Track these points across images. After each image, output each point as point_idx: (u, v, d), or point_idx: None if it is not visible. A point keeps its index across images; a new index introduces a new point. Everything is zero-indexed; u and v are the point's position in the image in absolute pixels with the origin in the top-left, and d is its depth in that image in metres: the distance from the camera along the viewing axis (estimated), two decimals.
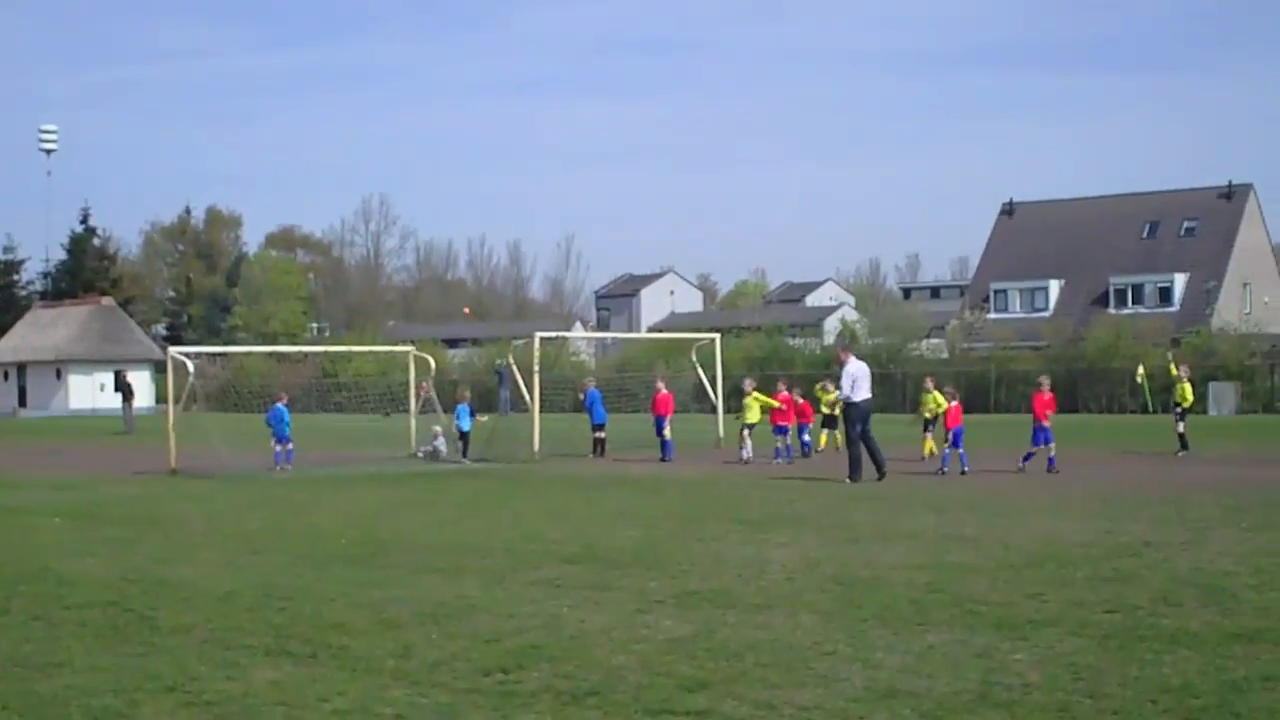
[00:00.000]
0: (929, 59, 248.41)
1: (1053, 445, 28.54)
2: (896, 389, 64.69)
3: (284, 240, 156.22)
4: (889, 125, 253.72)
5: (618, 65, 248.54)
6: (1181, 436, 34.25)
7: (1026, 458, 28.83)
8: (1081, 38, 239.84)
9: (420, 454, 36.82)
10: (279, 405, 34.85)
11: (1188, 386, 35.27)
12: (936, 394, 33.05)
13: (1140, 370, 43.62)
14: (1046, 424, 28.70)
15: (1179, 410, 34.77)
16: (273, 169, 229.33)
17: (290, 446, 33.82)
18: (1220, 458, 32.47)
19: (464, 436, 35.70)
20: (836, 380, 31.22)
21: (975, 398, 67.29)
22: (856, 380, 27.37)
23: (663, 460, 33.85)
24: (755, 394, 34.41)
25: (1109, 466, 30.15)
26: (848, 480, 26.49)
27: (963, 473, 28.24)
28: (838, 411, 34.79)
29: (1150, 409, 57.37)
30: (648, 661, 10.50)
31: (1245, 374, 65.31)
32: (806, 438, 34.94)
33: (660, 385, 36.52)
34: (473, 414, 36.83)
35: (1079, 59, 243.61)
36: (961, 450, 29.04)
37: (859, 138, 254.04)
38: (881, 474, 26.63)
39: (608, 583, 14.43)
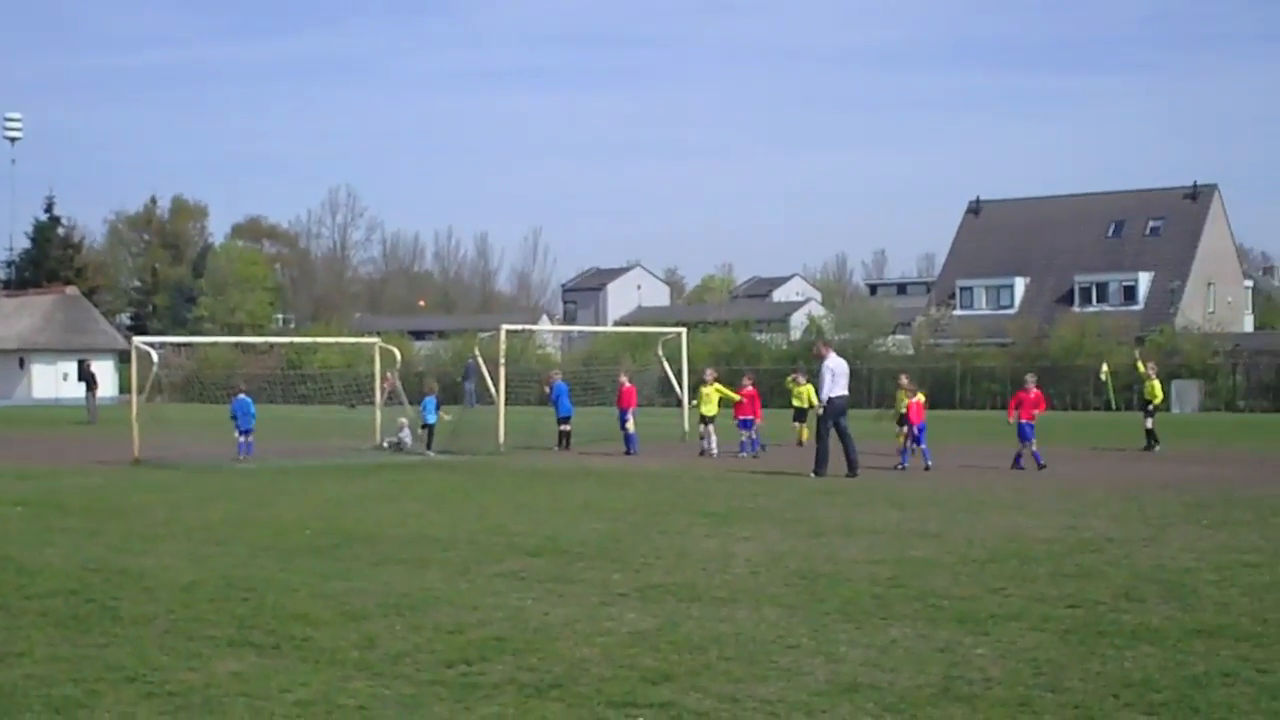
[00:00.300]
0: (897, 56, 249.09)
1: (1031, 443, 28.55)
2: (863, 385, 64.76)
3: (250, 231, 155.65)
4: (856, 122, 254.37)
5: (586, 58, 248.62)
6: (1151, 433, 34.49)
7: (1036, 458, 28.52)
8: (1048, 37, 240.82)
9: (385, 445, 36.76)
10: (243, 396, 34.76)
11: (1156, 384, 35.56)
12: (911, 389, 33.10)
13: (1104, 368, 43.78)
14: (1032, 421, 28.75)
15: (1149, 407, 34.99)
16: (239, 159, 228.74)
17: (250, 439, 33.76)
18: (1182, 455, 32.61)
19: (429, 429, 35.66)
20: (809, 375, 31.30)
21: (940, 394, 67.55)
22: (835, 375, 27.37)
23: (627, 453, 33.89)
24: (716, 385, 34.39)
25: (1072, 463, 30.26)
26: (812, 474, 26.52)
27: (926, 468, 28.35)
28: (808, 404, 35.10)
29: (1114, 406, 57.66)
30: (611, 654, 10.51)
31: (1208, 372, 65.70)
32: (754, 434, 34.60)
33: (624, 379, 36.56)
34: (439, 407, 36.82)
35: (1046, 58, 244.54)
36: (924, 446, 29.15)
37: (827, 134, 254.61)
38: (853, 472, 26.58)
39: (571, 575, 14.43)
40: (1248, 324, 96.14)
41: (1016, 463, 28.72)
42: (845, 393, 27.62)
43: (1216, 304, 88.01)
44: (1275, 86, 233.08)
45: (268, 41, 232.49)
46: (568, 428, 36.67)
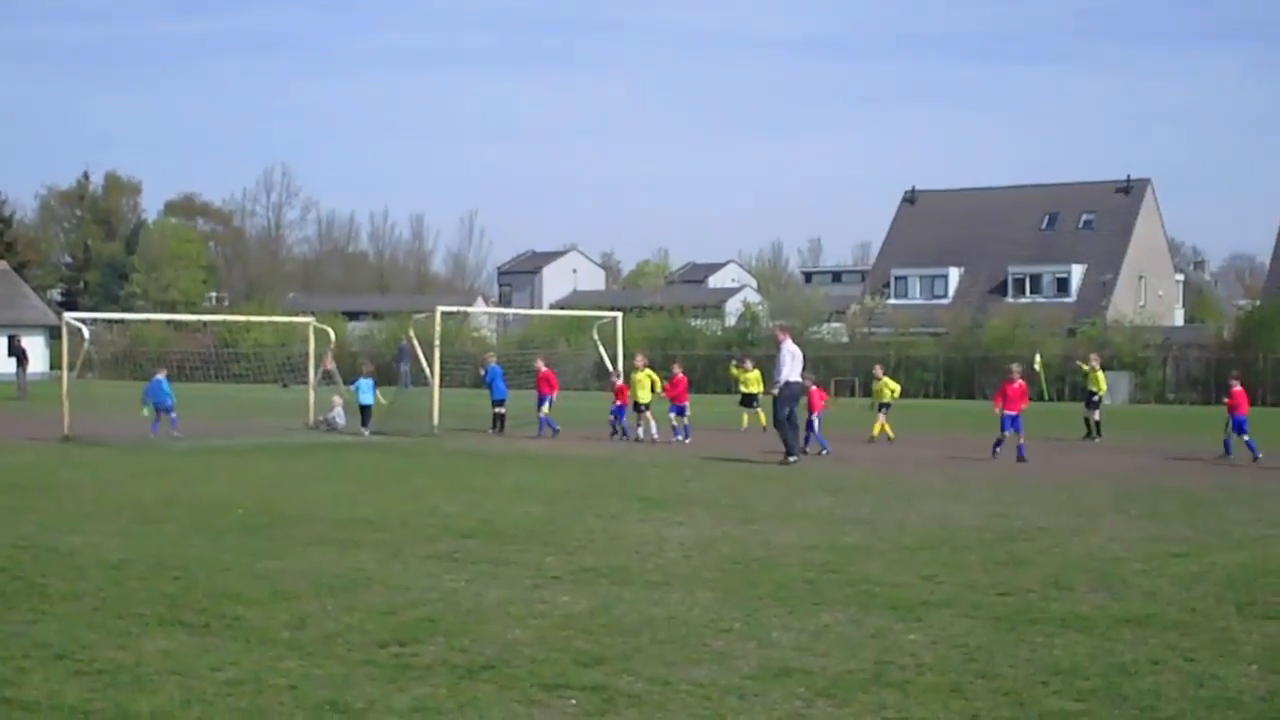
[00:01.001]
0: (835, 45, 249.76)
1: (1021, 434, 28.71)
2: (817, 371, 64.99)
3: (184, 208, 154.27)
4: (793, 110, 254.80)
5: (525, 40, 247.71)
6: (1092, 423, 34.90)
7: (1017, 449, 28.40)
8: (986, 29, 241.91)
9: (318, 425, 36.64)
10: (158, 378, 34.69)
11: (1100, 375, 35.98)
12: (888, 380, 35.48)
13: (1037, 359, 44.09)
14: (1018, 413, 29.02)
15: (1092, 398, 35.39)
16: (174, 136, 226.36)
17: (174, 415, 33.79)
18: (1112, 446, 32.88)
19: (366, 409, 35.62)
20: (755, 361, 31.45)
21: (874, 382, 67.74)
22: (794, 360, 27.35)
23: (538, 435, 34.36)
24: (648, 370, 34.42)
25: (1003, 453, 30.45)
26: (789, 460, 26.46)
27: (820, 453, 28.56)
28: (757, 389, 35.34)
29: (1046, 397, 57.98)
30: (543, 636, 10.51)
31: (1139, 365, 66.28)
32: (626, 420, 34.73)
33: (540, 364, 36.62)
34: (375, 387, 36.78)
35: (983, 50, 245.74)
36: (818, 433, 29.42)
37: (763, 121, 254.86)
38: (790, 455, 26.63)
39: (505, 558, 14.42)
40: (1178, 317, 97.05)
41: (994, 449, 28.78)
42: (800, 380, 27.65)
43: (1148, 297, 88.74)
44: (1209, 82, 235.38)
45: (204, 17, 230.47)
46: (502, 410, 36.60)
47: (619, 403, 34.71)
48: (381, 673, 9.40)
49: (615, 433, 34.02)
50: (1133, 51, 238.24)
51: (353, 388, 36.50)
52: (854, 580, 13.05)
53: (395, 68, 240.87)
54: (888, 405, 34.94)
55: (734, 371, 39.00)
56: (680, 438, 32.94)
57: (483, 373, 38.83)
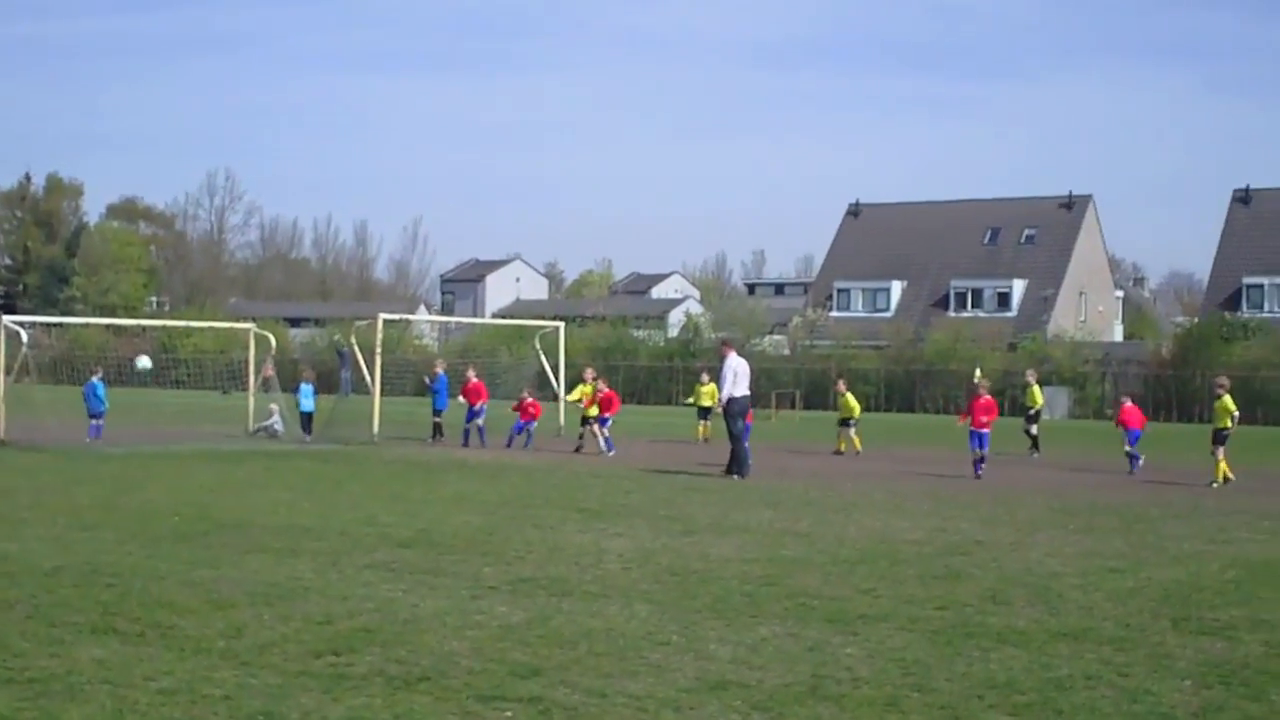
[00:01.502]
0: (779, 56, 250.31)
1: (985, 450, 28.52)
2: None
3: (126, 211, 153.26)
4: (738, 121, 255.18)
5: (471, 45, 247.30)
6: (1033, 437, 35.10)
7: (975, 466, 28.17)
8: (931, 43, 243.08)
9: (257, 432, 36.47)
10: (94, 380, 34.55)
11: (1037, 390, 36.30)
12: (849, 397, 35.86)
13: (978, 372, 44.34)
14: (985, 429, 28.67)
15: (1030, 413, 35.66)
16: (116, 138, 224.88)
17: (100, 423, 33.68)
18: (1051, 461, 33.08)
19: (307, 416, 35.57)
20: (713, 374, 31.55)
21: (815, 395, 68.12)
22: (737, 375, 27.29)
23: (464, 446, 34.36)
24: (596, 382, 34.41)
25: (942, 467, 30.59)
26: (735, 477, 26.35)
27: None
28: (708, 403, 35.48)
29: None
30: (480, 647, 10.47)
31: (1078, 380, 66.80)
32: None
33: (471, 374, 36.52)
34: (316, 393, 36.72)
35: (927, 64, 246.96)
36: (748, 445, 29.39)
37: (708, 132, 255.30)
38: (740, 473, 26.51)
39: (442, 568, 14.37)
40: (1118, 333, 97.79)
41: (977, 470, 28.06)
42: (747, 393, 27.61)
43: (1088, 313, 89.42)
44: (1151, 99, 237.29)
45: (148, 17, 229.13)
46: (439, 420, 36.51)
47: (605, 414, 34.01)
48: (317, 683, 9.34)
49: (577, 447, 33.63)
50: (1076, 68, 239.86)
51: (297, 394, 36.50)
52: (792, 593, 13.07)
53: (341, 73, 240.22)
54: (851, 420, 35.30)
55: (697, 387, 39.17)
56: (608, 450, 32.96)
57: (429, 381, 38.75)
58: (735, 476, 26.28)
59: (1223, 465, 26.87)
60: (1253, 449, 35.68)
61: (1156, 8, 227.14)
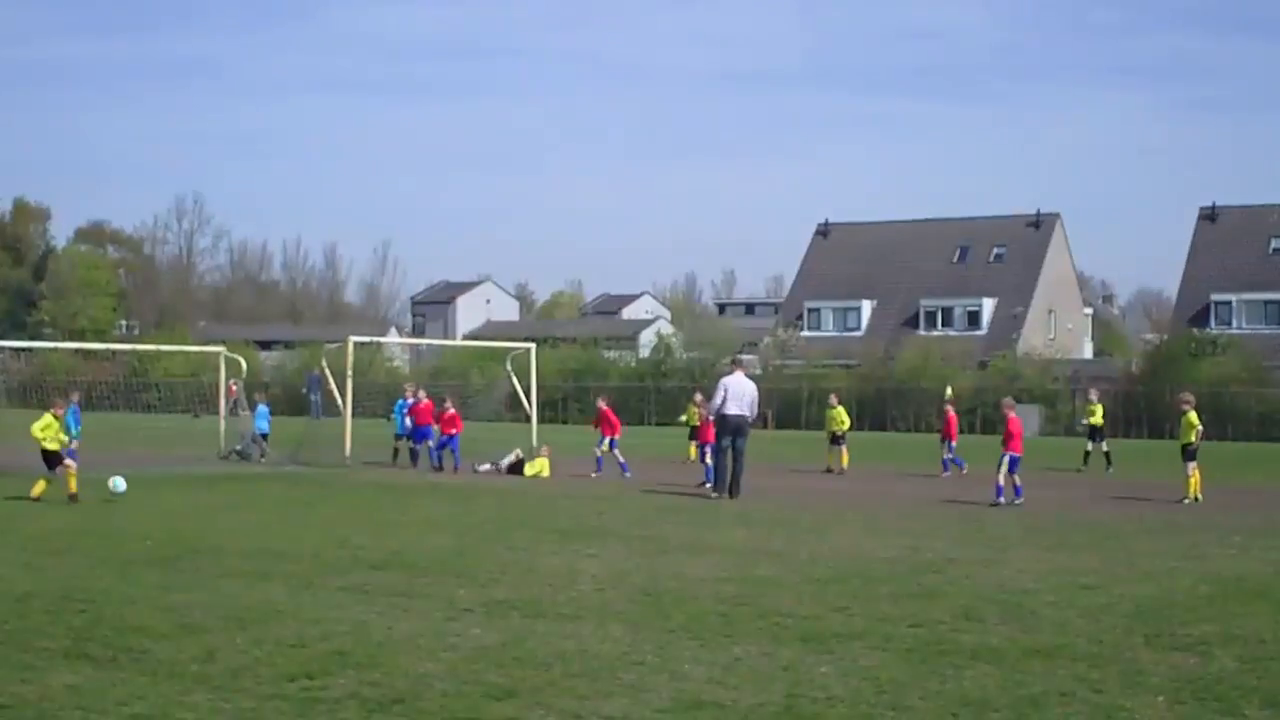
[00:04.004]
0: (749, 77, 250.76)
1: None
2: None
3: (94, 235, 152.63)
4: (708, 141, 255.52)
5: (439, 69, 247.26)
6: (1105, 454, 36.41)
7: (945, 465, 29.16)
8: (898, 63, 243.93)
9: (229, 455, 36.40)
10: (72, 404, 34.44)
11: (1099, 408, 37.33)
12: (840, 410, 36.02)
13: (948, 391, 44.41)
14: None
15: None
16: (84, 162, 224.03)
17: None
18: (1022, 479, 33.07)
19: (264, 438, 35.68)
20: (707, 394, 31.57)
21: (787, 414, 68.22)
22: (729, 392, 27.09)
23: (414, 466, 34.42)
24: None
25: (914, 485, 30.65)
26: (712, 495, 26.28)
27: (701, 485, 28.46)
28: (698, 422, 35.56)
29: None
30: (455, 670, 10.45)
31: (1048, 397, 66.96)
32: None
33: (420, 394, 36.37)
34: (270, 414, 36.83)
35: (895, 84, 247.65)
36: (708, 464, 29.26)
37: (677, 153, 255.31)
38: (733, 494, 26.27)
39: (416, 590, 14.34)
40: (1087, 350, 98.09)
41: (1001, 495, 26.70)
42: (741, 412, 27.18)
43: (1057, 330, 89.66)
44: (1117, 118, 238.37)
45: (115, 42, 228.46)
46: (399, 444, 36.41)
47: (609, 435, 33.46)
48: (291, 706, 9.31)
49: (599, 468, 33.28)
50: (1043, 88, 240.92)
51: (254, 415, 36.57)
52: (766, 612, 13.07)
53: (309, 96, 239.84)
54: (841, 435, 35.54)
55: (689, 406, 39.19)
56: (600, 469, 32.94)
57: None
58: (714, 494, 26.27)
59: (1194, 481, 26.94)
60: (1223, 465, 35.78)
61: (1123, 28, 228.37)
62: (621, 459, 32.57)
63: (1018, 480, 25.65)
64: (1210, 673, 10.62)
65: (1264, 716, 9.34)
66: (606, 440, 33.44)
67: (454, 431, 34.69)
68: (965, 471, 32.95)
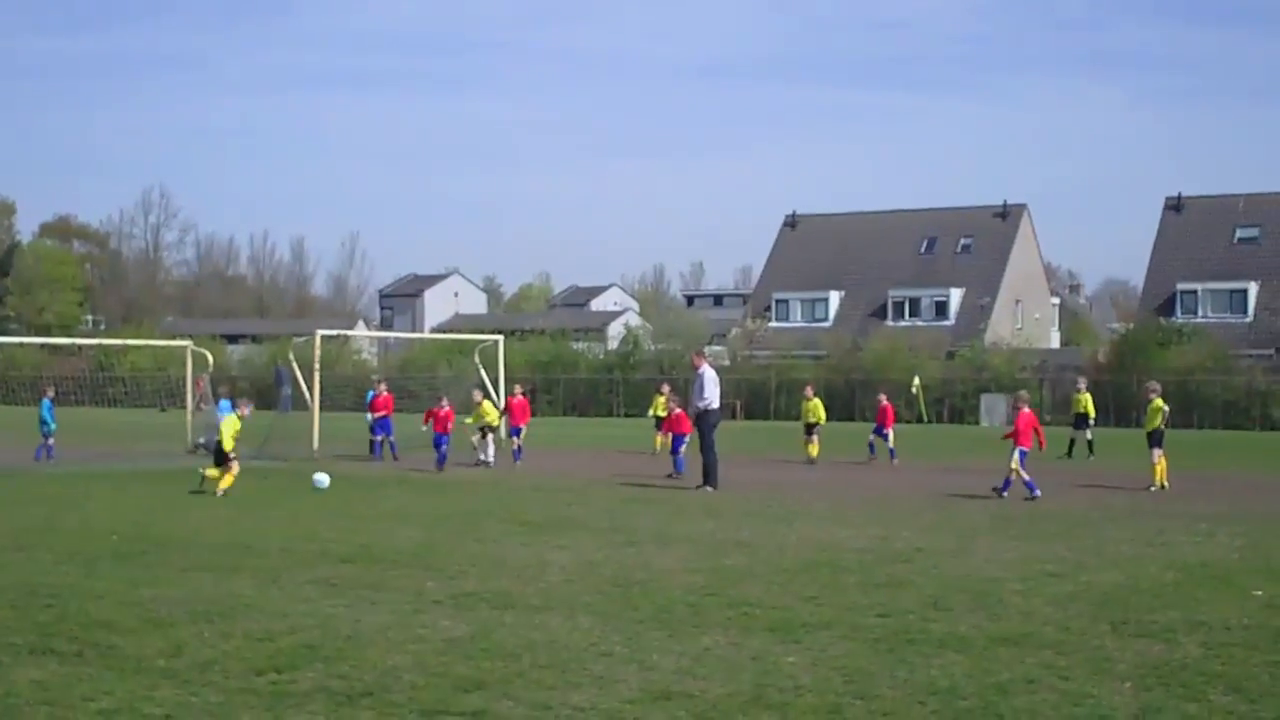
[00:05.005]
0: (718, 69, 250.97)
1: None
2: (679, 394, 65.14)
3: (59, 230, 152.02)
4: (676, 133, 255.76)
5: (407, 61, 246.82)
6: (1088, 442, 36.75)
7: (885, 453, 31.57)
8: (867, 54, 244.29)
9: (196, 449, 36.28)
10: (45, 399, 34.40)
11: (1087, 397, 37.55)
12: (816, 402, 36.45)
13: (915, 381, 44.61)
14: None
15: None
16: (49, 156, 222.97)
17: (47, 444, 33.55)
18: (990, 469, 33.18)
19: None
20: (678, 385, 31.66)
21: (756, 404, 68.39)
22: (715, 384, 27.06)
23: (372, 457, 34.77)
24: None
25: (883, 475, 30.72)
26: (708, 488, 26.11)
27: (670, 476, 28.49)
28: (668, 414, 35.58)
29: (925, 419, 58.53)
30: (423, 662, 10.44)
31: (1016, 387, 67.05)
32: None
33: (381, 387, 36.28)
34: (233, 408, 36.73)
35: (863, 75, 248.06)
36: (680, 456, 29.28)
37: (645, 144, 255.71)
38: (704, 483, 26.38)
39: (384, 583, 14.32)
40: (1054, 340, 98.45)
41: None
42: (719, 404, 27.26)
43: (1024, 320, 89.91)
44: (1084, 110, 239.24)
45: (81, 36, 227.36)
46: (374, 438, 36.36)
47: (679, 433, 31.09)
48: (259, 700, 9.29)
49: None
50: (1010, 78, 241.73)
51: (217, 409, 36.52)
52: (735, 603, 13.08)
53: (276, 89, 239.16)
54: (816, 426, 35.77)
55: (656, 397, 39.17)
56: (518, 459, 33.04)
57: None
58: (709, 488, 26.08)
59: (1160, 468, 27.03)
60: (1188, 452, 35.97)
61: (1089, 21, 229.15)
62: (517, 446, 33.58)
63: (1026, 475, 25.03)
64: (1175, 659, 10.67)
65: (1228, 702, 9.39)
66: (512, 429, 34.32)
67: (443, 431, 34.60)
68: (896, 463, 33.43)
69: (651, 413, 38.53)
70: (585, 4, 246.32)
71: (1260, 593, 13.91)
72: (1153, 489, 26.64)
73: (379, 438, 35.22)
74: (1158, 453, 27.26)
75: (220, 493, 24.36)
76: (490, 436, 33.39)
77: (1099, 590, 14.01)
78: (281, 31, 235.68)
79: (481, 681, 9.80)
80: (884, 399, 36.57)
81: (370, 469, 31.92)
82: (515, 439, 34.06)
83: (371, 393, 36.97)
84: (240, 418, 26.04)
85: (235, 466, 25.22)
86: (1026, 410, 26.14)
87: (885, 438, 35.18)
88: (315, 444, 35.08)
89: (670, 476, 28.54)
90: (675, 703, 9.25)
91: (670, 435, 31.26)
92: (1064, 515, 21.76)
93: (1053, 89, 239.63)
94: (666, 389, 38.51)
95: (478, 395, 34.85)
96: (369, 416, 35.90)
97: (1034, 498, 24.40)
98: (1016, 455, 25.23)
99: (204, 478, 25.23)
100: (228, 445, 25.25)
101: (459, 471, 30.77)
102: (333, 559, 16.07)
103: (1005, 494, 24.93)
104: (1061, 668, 10.33)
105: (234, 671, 10.13)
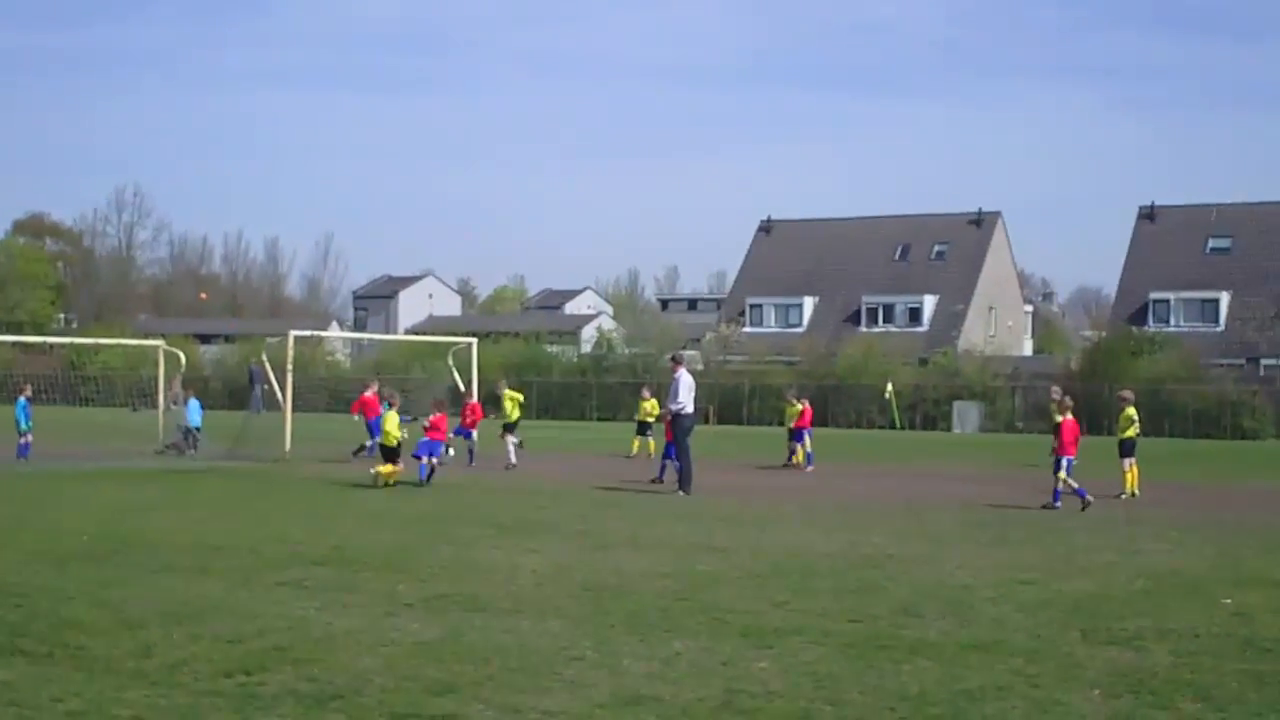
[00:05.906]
0: (693, 74, 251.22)
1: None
2: (658, 398, 65.19)
3: (32, 228, 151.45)
4: (651, 138, 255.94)
5: (383, 62, 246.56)
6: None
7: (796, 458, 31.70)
8: (841, 61, 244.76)
9: (167, 449, 36.20)
10: (21, 398, 34.30)
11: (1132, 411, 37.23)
12: (798, 407, 35.76)
13: (889, 387, 44.65)
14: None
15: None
16: (22, 154, 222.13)
17: (23, 441, 33.45)
18: (962, 475, 33.30)
19: (194, 431, 35.71)
20: (658, 390, 31.65)
21: (729, 410, 68.45)
22: (690, 389, 27.05)
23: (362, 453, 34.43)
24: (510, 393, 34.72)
25: (855, 480, 30.76)
26: (680, 493, 26.10)
27: (654, 481, 28.43)
28: (651, 417, 35.52)
29: (897, 425, 58.58)
30: (394, 665, 10.41)
31: (989, 394, 67.41)
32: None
33: (371, 389, 36.27)
34: (202, 409, 36.86)
35: (839, 81, 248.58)
36: (673, 461, 29.23)
37: (620, 149, 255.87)
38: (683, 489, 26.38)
39: (356, 585, 14.28)
40: (1027, 348, 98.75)
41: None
42: (694, 409, 27.23)
43: (997, 328, 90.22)
44: (1058, 118, 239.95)
45: (54, 33, 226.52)
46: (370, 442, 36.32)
47: (466, 425, 34.36)
48: (228, 703, 9.26)
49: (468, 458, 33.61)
50: (985, 85, 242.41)
51: (185, 409, 36.55)
52: (706, 608, 13.08)
53: (251, 87, 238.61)
54: (796, 431, 35.58)
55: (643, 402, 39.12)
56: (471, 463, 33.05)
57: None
58: (681, 493, 26.03)
59: (1131, 476, 27.11)
60: (1160, 461, 36.10)
61: (1063, 29, 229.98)
62: (453, 452, 33.30)
63: (1074, 483, 24.20)
64: (1145, 666, 10.70)
65: (1197, 709, 9.42)
66: (464, 432, 34.29)
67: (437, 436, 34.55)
68: (811, 469, 33.44)
69: (638, 417, 38.45)
70: (561, 6, 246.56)
71: (1229, 601, 13.95)
72: (1123, 497, 26.71)
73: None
74: (1129, 461, 27.33)
75: (391, 483, 26.58)
76: (509, 437, 33.46)
77: (1069, 597, 14.04)
78: (257, 31, 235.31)
79: (452, 685, 9.78)
80: (806, 404, 35.94)
81: (338, 469, 31.83)
82: (468, 440, 34.00)
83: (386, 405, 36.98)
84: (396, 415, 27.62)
85: (400, 463, 26.81)
86: (1070, 418, 25.21)
87: (802, 440, 34.96)
88: (287, 444, 34.99)
89: (653, 481, 28.45)
90: (646, 707, 9.25)
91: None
92: (1035, 522, 21.82)
93: (1028, 97, 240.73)
94: (647, 393, 38.53)
95: (501, 385, 35.13)
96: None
97: (1088, 503, 23.68)
98: (1065, 465, 24.45)
99: (376, 474, 26.66)
100: (391, 442, 26.96)
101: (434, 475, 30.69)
102: (304, 561, 16.02)
103: (1058, 505, 24.22)
104: (1031, 675, 10.34)
105: (203, 673, 10.09)
